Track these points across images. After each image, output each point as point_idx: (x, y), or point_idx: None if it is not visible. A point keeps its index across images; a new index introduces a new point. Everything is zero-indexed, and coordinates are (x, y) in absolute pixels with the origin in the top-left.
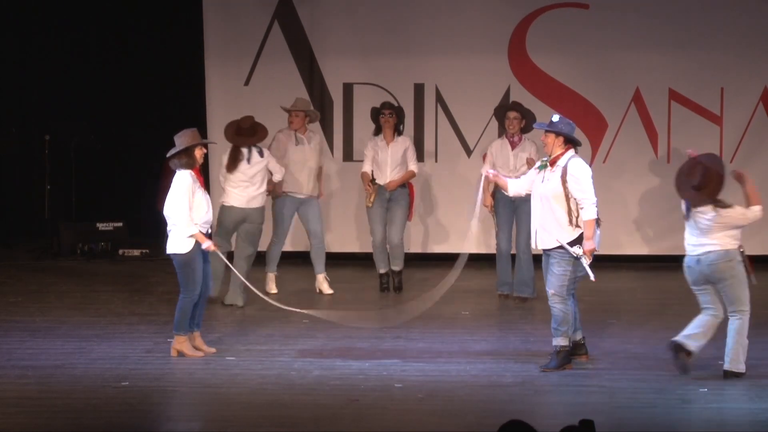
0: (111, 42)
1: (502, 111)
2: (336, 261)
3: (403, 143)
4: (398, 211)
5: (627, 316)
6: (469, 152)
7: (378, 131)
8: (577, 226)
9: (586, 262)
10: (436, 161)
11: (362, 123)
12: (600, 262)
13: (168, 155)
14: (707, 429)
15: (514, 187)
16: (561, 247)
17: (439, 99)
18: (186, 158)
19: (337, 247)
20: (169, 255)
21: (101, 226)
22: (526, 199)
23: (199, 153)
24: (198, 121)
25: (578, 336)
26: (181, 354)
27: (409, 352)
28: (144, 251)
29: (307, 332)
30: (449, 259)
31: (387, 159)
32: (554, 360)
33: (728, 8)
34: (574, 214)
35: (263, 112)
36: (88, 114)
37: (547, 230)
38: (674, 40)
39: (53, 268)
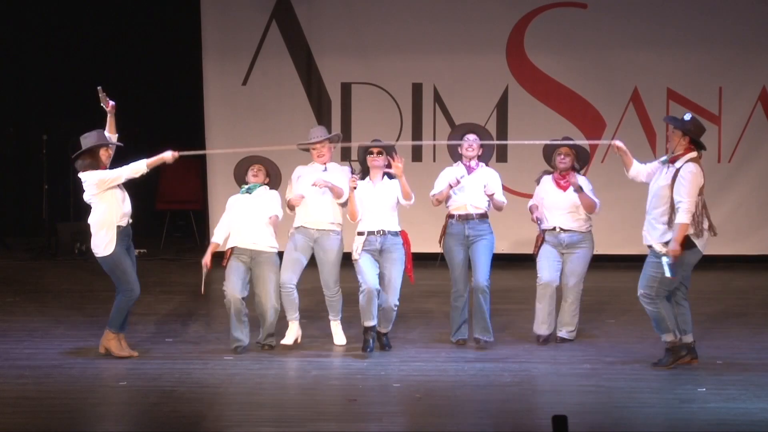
0: (109, 42)
1: (460, 133)
2: None
3: (394, 184)
4: (392, 268)
5: (625, 315)
6: None
7: (367, 173)
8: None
9: (666, 261)
10: (434, 161)
11: (361, 122)
12: (600, 262)
13: (73, 156)
14: (706, 429)
15: (635, 169)
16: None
17: (437, 99)
18: (90, 159)
19: None
20: (97, 258)
21: None
22: (481, 235)
23: (103, 154)
24: (196, 120)
25: (689, 339)
26: (108, 352)
27: (407, 352)
28: (141, 251)
29: (306, 332)
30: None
31: (373, 202)
32: (665, 357)
33: (727, 8)
34: (674, 216)
35: (261, 112)
36: (86, 114)
37: (649, 227)
38: (673, 40)
39: (51, 267)
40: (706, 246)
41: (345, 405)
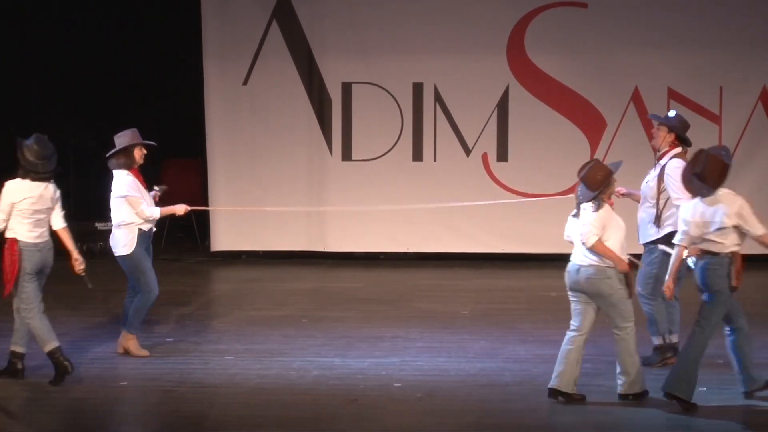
0: (110, 41)
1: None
2: (336, 261)
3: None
4: None
5: None
6: (467, 151)
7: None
8: (662, 225)
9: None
10: (434, 160)
11: (361, 122)
12: None
13: (107, 155)
14: (707, 429)
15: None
16: (651, 243)
17: (438, 98)
18: (124, 158)
19: (336, 247)
20: (116, 257)
21: (100, 225)
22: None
23: (138, 153)
24: (197, 120)
25: (674, 339)
26: (127, 352)
27: (407, 352)
28: None
29: (306, 332)
30: (448, 258)
31: None
32: (653, 355)
33: (728, 8)
34: (663, 213)
35: (262, 112)
36: (87, 113)
37: (642, 226)
38: (673, 40)
39: (51, 267)
40: None
41: (346, 405)
